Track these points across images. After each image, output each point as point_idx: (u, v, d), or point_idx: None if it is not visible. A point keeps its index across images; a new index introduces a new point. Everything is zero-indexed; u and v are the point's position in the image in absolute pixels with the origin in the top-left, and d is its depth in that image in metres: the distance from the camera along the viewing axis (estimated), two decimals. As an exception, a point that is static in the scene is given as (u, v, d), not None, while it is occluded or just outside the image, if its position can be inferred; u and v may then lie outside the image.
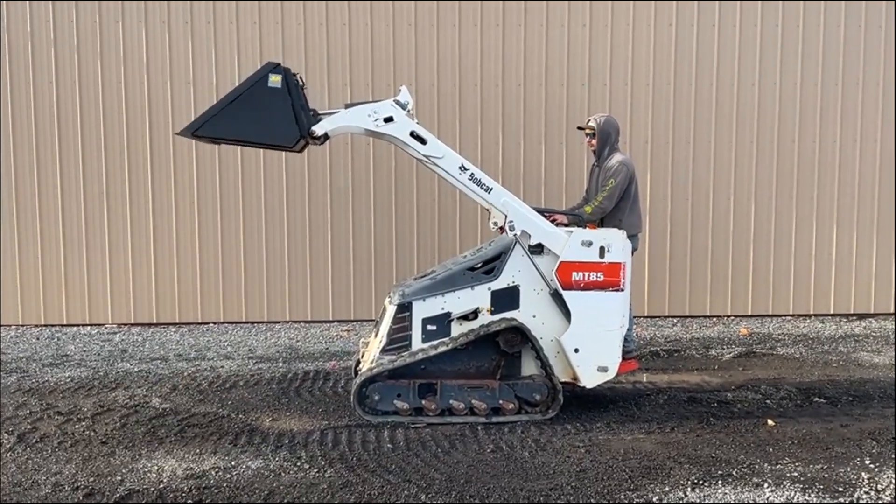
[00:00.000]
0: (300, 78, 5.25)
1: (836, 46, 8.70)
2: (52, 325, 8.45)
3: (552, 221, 5.57)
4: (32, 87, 8.30)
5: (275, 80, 5.00)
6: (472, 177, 5.23)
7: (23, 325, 8.44)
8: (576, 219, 5.60)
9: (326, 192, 8.56)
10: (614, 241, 5.22)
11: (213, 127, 5.08)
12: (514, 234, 5.21)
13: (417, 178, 8.54)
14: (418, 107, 8.44)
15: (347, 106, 5.32)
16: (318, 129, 5.16)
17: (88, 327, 8.43)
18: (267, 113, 5.03)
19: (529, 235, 5.21)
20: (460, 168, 5.24)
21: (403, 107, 5.25)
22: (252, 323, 8.59)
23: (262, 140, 5.26)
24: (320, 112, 5.35)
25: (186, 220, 8.48)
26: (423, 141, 5.20)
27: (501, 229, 5.30)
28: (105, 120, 8.37)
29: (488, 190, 5.25)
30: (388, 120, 5.18)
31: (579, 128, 6.27)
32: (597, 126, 5.90)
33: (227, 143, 5.54)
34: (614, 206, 5.71)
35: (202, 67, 8.39)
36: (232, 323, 8.57)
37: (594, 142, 5.94)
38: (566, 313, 5.23)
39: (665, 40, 8.62)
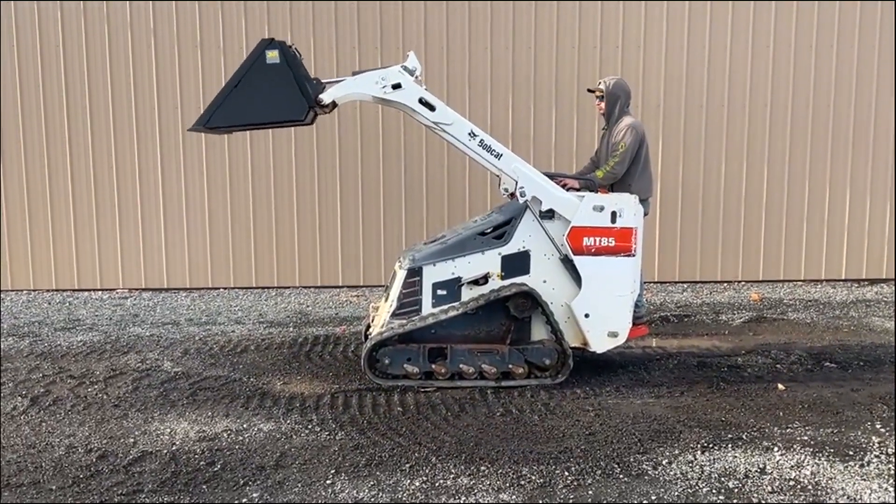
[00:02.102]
0: (296, 50, 5.22)
1: (852, 9, 8.53)
2: (64, 290, 8.50)
3: (563, 186, 5.53)
4: (40, 54, 8.25)
5: (272, 55, 4.98)
6: (481, 143, 5.19)
7: (35, 290, 8.49)
8: (587, 183, 5.55)
9: (335, 157, 8.52)
10: (626, 206, 5.17)
11: (223, 115, 5.10)
12: (525, 200, 5.17)
13: (427, 143, 8.48)
14: (427, 69, 8.36)
15: (355, 73, 5.27)
16: (326, 98, 5.12)
17: (100, 292, 8.48)
18: (272, 90, 5.01)
19: (540, 201, 5.17)
20: (470, 134, 5.18)
21: (411, 73, 5.19)
22: (262, 288, 8.62)
23: (273, 119, 5.26)
24: (325, 81, 5.30)
25: (196, 186, 8.47)
26: (432, 108, 5.15)
27: (512, 195, 5.26)
28: (112, 85, 8.33)
29: (498, 156, 5.20)
30: (397, 87, 5.12)
31: (589, 90, 6.19)
32: (605, 89, 5.80)
33: (239, 130, 5.52)
34: (624, 171, 5.65)
35: (209, 30, 8.31)
36: (242, 288, 8.59)
37: (603, 105, 5.86)
38: (576, 278, 5.21)
39: (678, 3, 8.47)
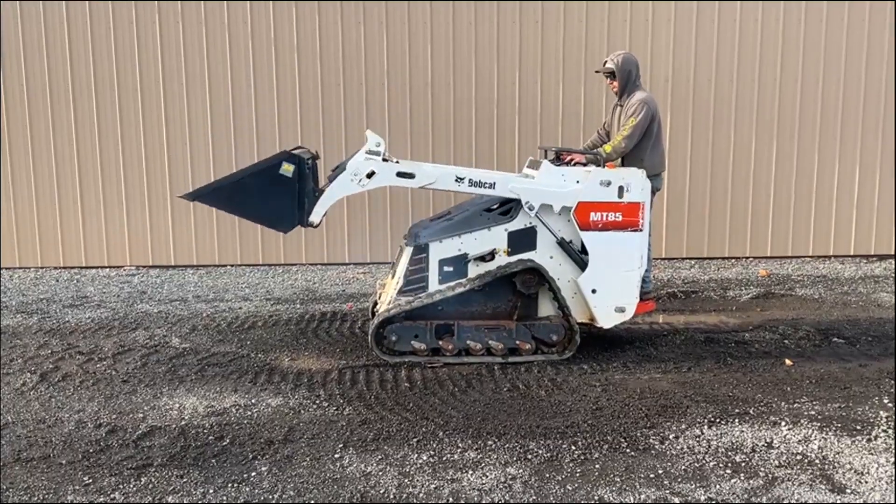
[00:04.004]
0: (315, 154, 5.35)
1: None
2: (72, 268, 8.52)
3: (570, 161, 5.50)
4: (44, 27, 8.21)
5: (287, 168, 5.03)
6: (470, 182, 5.16)
7: (42, 268, 8.52)
8: (594, 158, 5.51)
9: (341, 134, 8.48)
10: (633, 181, 5.14)
11: (215, 198, 5.22)
12: (536, 214, 5.14)
13: (433, 120, 8.44)
14: (433, 43, 8.31)
15: (334, 170, 5.30)
16: (316, 219, 5.19)
17: (107, 269, 8.50)
18: (272, 198, 5.08)
19: (551, 205, 5.14)
20: (456, 180, 5.16)
21: (378, 152, 5.20)
22: (269, 265, 8.63)
23: (260, 222, 5.46)
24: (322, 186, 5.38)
25: (201, 163, 8.45)
26: (411, 175, 5.14)
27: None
28: (118, 64, 8.29)
29: (492, 186, 5.17)
30: (371, 174, 5.12)
31: (597, 71, 6.12)
32: (616, 66, 5.72)
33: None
34: (635, 146, 5.60)
35: (213, 8, 8.25)
36: (249, 265, 8.60)
37: (615, 83, 5.78)
38: (576, 260, 5.19)
39: (687, -26, 8.37)
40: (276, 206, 5.09)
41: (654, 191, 5.51)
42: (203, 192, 5.17)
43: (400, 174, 5.14)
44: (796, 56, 8.48)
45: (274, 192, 5.04)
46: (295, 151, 5.17)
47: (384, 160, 5.18)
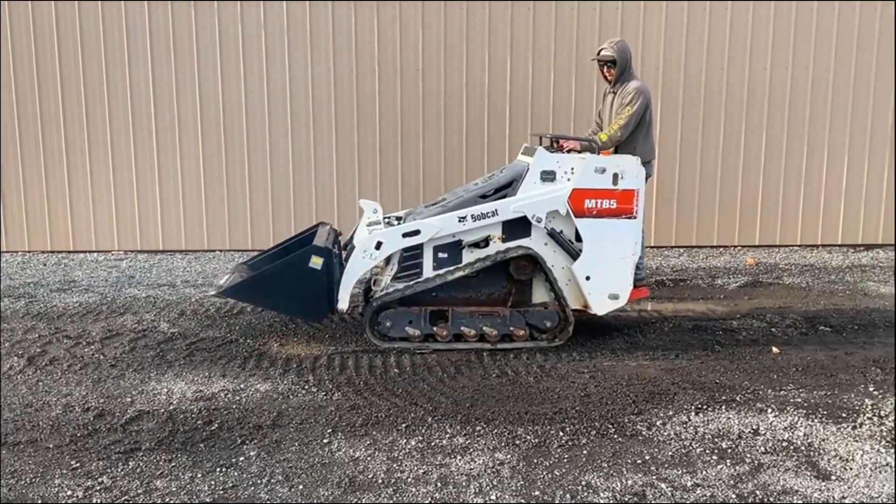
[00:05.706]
0: (338, 232, 5.47)
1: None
2: (59, 252, 8.47)
3: (563, 148, 5.50)
4: (31, 17, 8.11)
5: (316, 261, 5.03)
6: (473, 217, 5.15)
7: (30, 252, 8.46)
8: (589, 145, 5.51)
9: (332, 121, 8.44)
10: (628, 168, 5.14)
11: (245, 294, 5.28)
12: (544, 225, 5.14)
13: (424, 109, 8.40)
14: (424, 28, 8.27)
15: (346, 252, 5.40)
16: (343, 306, 5.19)
17: (95, 254, 8.45)
18: (301, 292, 5.08)
19: (556, 209, 5.13)
20: (460, 221, 5.15)
21: (377, 221, 5.25)
22: (258, 251, 8.57)
23: (291, 314, 5.57)
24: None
25: (191, 148, 8.40)
26: (416, 233, 5.14)
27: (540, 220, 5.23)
28: (105, 46, 8.20)
29: (495, 214, 5.16)
30: (379, 245, 5.14)
31: (594, 59, 6.09)
32: (615, 54, 5.69)
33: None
34: (629, 134, 5.59)
35: (203, -11, 8.19)
36: (238, 251, 8.57)
37: (612, 71, 5.75)
38: (567, 250, 5.19)
39: (680, -38, 8.35)
40: (307, 298, 5.10)
41: (645, 178, 5.51)
42: (232, 289, 5.19)
43: (405, 234, 5.15)
44: (787, 46, 8.49)
45: (303, 285, 5.05)
46: (317, 242, 5.15)
47: (386, 222, 5.30)
